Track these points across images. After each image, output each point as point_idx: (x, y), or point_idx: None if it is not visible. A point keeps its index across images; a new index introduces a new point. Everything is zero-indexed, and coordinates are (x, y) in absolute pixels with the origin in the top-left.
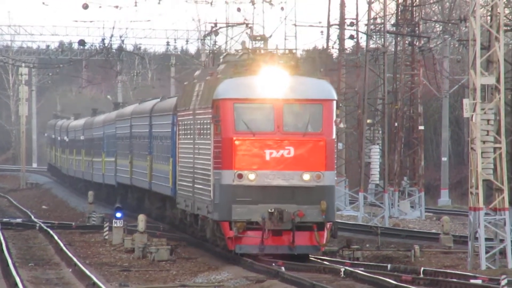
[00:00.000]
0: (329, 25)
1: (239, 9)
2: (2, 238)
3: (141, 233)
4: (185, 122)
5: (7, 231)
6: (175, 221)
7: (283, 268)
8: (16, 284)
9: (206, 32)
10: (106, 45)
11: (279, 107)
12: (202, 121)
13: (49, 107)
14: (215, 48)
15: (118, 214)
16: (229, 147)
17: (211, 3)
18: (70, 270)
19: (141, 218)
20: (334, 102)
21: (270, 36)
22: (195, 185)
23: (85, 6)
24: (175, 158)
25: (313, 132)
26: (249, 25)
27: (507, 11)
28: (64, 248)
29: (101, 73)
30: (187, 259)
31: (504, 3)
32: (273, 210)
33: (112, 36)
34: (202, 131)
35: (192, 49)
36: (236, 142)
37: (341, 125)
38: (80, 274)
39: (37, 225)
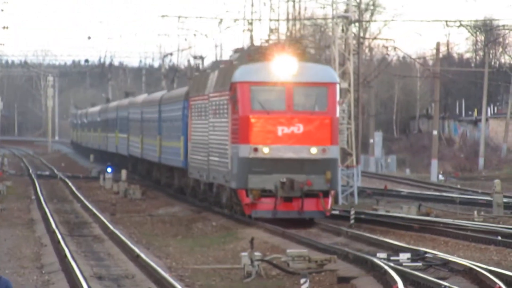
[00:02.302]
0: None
1: (186, 39)
2: (37, 184)
3: (123, 182)
4: (198, 106)
5: (40, 180)
6: (186, 188)
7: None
8: (45, 213)
9: (165, 54)
10: (101, 62)
11: (290, 89)
12: (218, 103)
13: (66, 102)
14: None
15: (109, 170)
16: (246, 124)
17: (168, 35)
18: (79, 204)
19: (124, 172)
20: (338, 85)
21: (206, 56)
22: (210, 158)
23: (89, 37)
24: (186, 136)
25: (320, 111)
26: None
27: (354, 41)
28: (75, 191)
29: (98, 79)
30: (153, 198)
31: (352, 37)
32: (284, 179)
33: (105, 56)
34: (218, 111)
35: (156, 64)
36: (252, 120)
37: (344, 106)
38: (85, 207)
39: (58, 176)
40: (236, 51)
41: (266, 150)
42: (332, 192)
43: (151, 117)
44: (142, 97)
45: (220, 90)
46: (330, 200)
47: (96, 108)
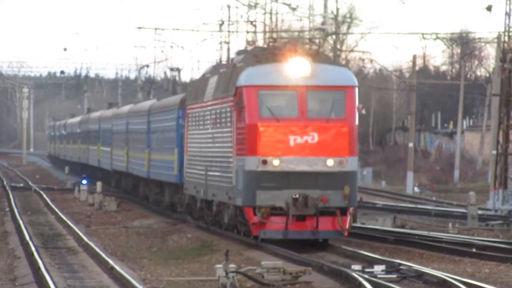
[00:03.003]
0: None
1: (162, 51)
2: (11, 195)
3: (98, 193)
4: (196, 114)
5: (14, 191)
6: (181, 206)
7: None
8: (19, 225)
9: (142, 65)
10: (77, 73)
11: (303, 93)
12: (219, 111)
13: (41, 113)
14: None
15: (84, 182)
16: (254, 133)
17: (145, 47)
18: (54, 216)
19: (99, 184)
20: (356, 89)
21: (182, 68)
22: (209, 172)
23: (65, 49)
24: (181, 148)
25: (336, 118)
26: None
27: (331, 54)
28: (50, 202)
29: (74, 90)
30: (128, 210)
31: (329, 49)
32: (297, 195)
33: (81, 68)
34: (219, 120)
35: (132, 76)
36: (261, 129)
37: (363, 111)
38: (60, 219)
39: (33, 187)
40: (239, 52)
41: (276, 162)
42: (351, 209)
43: (139, 129)
44: (127, 108)
45: (221, 97)
46: (348, 218)
47: (76, 119)
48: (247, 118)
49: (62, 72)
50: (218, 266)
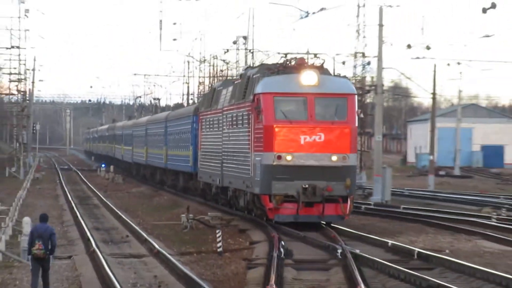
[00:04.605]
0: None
1: (149, 88)
2: (60, 173)
3: (111, 172)
4: (209, 119)
5: (62, 171)
6: (195, 190)
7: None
8: (65, 191)
9: (136, 96)
10: (98, 101)
11: (311, 99)
12: (235, 114)
13: (77, 124)
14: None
15: (103, 166)
16: (270, 133)
17: (138, 85)
18: (85, 186)
19: (112, 168)
20: (356, 96)
21: (160, 98)
22: (224, 164)
23: (91, 86)
24: (195, 146)
25: (340, 120)
26: (152, 93)
27: None
28: (83, 177)
29: (96, 111)
30: (129, 183)
31: None
32: (306, 185)
33: (101, 98)
34: (234, 122)
35: (131, 103)
36: (276, 129)
37: (361, 115)
38: (89, 187)
39: (73, 169)
40: (246, 68)
41: (289, 157)
42: (351, 197)
43: (157, 132)
44: (146, 118)
45: (237, 103)
46: (349, 204)
47: (104, 127)
48: (264, 120)
49: (89, 100)
50: (182, 215)
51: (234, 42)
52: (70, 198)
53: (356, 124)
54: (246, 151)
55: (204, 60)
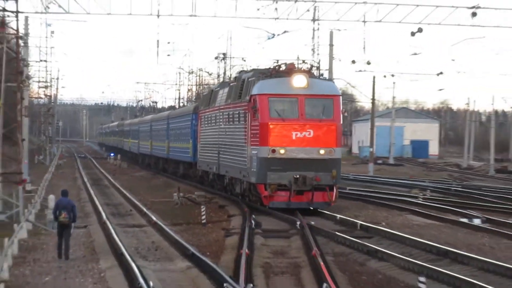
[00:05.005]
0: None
1: (148, 93)
2: (78, 161)
3: (118, 160)
4: (208, 116)
5: (79, 159)
6: (194, 177)
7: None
8: (81, 174)
9: (138, 100)
10: (108, 103)
11: (302, 100)
12: (231, 112)
13: (92, 122)
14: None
15: (112, 154)
16: (266, 129)
17: (140, 91)
18: (97, 170)
19: (119, 156)
20: (341, 97)
21: (157, 102)
22: (221, 155)
23: (102, 92)
24: (194, 140)
25: (327, 118)
26: (151, 97)
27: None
28: (96, 164)
29: (107, 112)
30: (132, 168)
31: None
32: (297, 176)
33: (110, 101)
34: (231, 119)
35: (134, 105)
36: (271, 126)
37: (346, 114)
38: (100, 171)
39: (88, 157)
40: (240, 72)
41: (282, 151)
42: (337, 186)
43: (160, 128)
44: (150, 116)
45: (233, 102)
46: (335, 193)
47: (115, 124)
48: (260, 118)
49: (101, 103)
50: (174, 194)
51: (216, 58)
52: (85, 180)
53: (341, 122)
54: (242, 145)
55: (192, 71)
